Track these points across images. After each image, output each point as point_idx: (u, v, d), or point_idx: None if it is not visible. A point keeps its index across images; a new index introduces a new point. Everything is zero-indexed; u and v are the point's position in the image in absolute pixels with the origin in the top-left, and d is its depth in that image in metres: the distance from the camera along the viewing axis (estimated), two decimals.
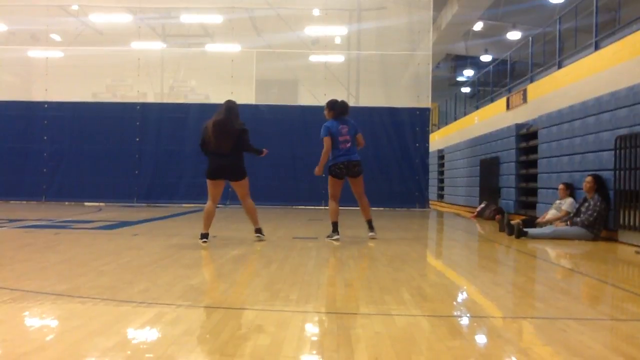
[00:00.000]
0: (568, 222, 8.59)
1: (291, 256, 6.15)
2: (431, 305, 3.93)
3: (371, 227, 7.84)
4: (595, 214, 8.22)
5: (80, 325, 3.22)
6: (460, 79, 32.15)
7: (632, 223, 7.71)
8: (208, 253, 6.46)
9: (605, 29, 11.07)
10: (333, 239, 7.58)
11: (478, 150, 16.22)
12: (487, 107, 17.73)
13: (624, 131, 8.08)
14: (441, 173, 22.35)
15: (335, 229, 7.69)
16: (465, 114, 21.48)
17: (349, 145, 7.60)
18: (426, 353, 2.81)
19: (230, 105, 7.38)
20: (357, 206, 7.96)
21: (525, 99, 13.63)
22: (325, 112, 7.82)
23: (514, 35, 24.05)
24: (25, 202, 15.51)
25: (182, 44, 18.56)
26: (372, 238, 7.72)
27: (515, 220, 9.21)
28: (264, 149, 7.48)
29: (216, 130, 7.12)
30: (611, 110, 8.63)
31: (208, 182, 7.19)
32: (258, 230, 7.47)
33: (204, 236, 7.10)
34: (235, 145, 7.14)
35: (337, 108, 7.77)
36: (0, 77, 17.27)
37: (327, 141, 7.58)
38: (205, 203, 7.26)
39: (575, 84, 10.67)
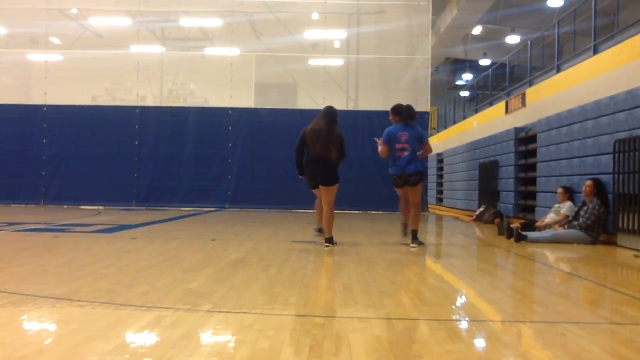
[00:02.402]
0: (566, 226, 8.60)
1: (290, 260, 6.14)
2: (430, 309, 3.93)
3: (414, 238, 7.45)
4: (593, 217, 8.22)
5: (78, 329, 3.21)
6: (459, 82, 32.20)
7: (631, 227, 7.72)
8: (207, 256, 6.45)
9: (604, 33, 11.10)
10: (410, 246, 7.40)
11: (477, 153, 16.23)
12: (486, 111, 17.75)
13: (622, 135, 8.10)
14: (440, 177, 22.35)
15: (405, 232, 7.74)
16: (464, 118, 21.50)
17: (406, 154, 7.34)
18: (425, 357, 2.81)
19: (328, 111, 7.44)
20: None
21: (524, 103, 13.64)
22: (390, 117, 7.68)
23: (512, 39, 24.11)
24: (24, 205, 15.50)
25: (182, 47, 18.54)
26: (413, 248, 7.34)
27: (514, 224, 9.21)
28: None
29: (316, 138, 7.22)
30: (610, 114, 8.64)
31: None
32: (327, 240, 7.35)
33: (319, 230, 7.61)
34: (330, 152, 7.24)
35: (403, 113, 7.56)
36: (0, 80, 17.28)
37: (382, 149, 7.49)
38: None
39: (574, 87, 10.68)
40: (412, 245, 7.42)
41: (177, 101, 17.66)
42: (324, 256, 6.60)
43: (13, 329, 3.29)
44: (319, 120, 7.35)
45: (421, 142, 7.50)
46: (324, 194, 7.39)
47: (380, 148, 7.55)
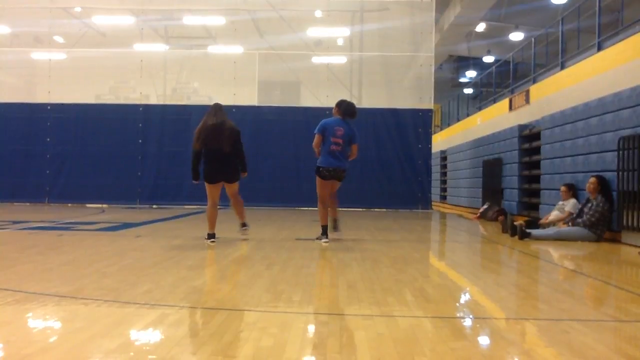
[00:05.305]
0: (570, 223, 8.58)
1: (294, 257, 6.15)
2: (434, 307, 3.93)
3: (335, 227, 7.67)
4: (597, 215, 8.20)
5: (83, 327, 3.22)
6: (462, 80, 32.10)
7: (635, 224, 7.69)
8: (211, 254, 6.47)
9: (608, 30, 11.06)
10: (322, 242, 7.44)
11: (481, 151, 16.20)
12: (490, 108, 17.72)
13: (627, 132, 8.07)
14: (444, 174, 22.33)
15: (324, 232, 7.50)
16: (467, 115, 21.47)
17: (339, 148, 7.35)
18: (429, 354, 2.81)
19: (221, 107, 7.58)
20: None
21: (528, 100, 13.61)
22: (334, 109, 7.69)
23: (516, 36, 24.03)
24: (28, 203, 15.54)
25: (185, 45, 18.57)
26: (336, 234, 7.60)
27: (518, 222, 9.20)
28: (246, 172, 7.54)
29: (215, 131, 7.19)
30: (614, 111, 8.62)
31: (206, 185, 7.33)
32: (243, 224, 7.58)
33: (211, 236, 7.25)
34: (232, 146, 7.24)
35: (342, 108, 7.58)
36: (4, 79, 17.33)
37: (316, 138, 7.42)
38: (206, 205, 7.37)
39: (578, 84, 10.65)
40: (334, 231, 7.62)
41: (181, 99, 17.67)
42: (327, 254, 6.60)
43: (18, 327, 3.30)
44: (216, 116, 7.33)
45: (350, 142, 7.47)
46: (231, 189, 7.43)
47: (314, 142, 7.44)
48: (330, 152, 7.36)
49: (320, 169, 7.42)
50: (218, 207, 7.42)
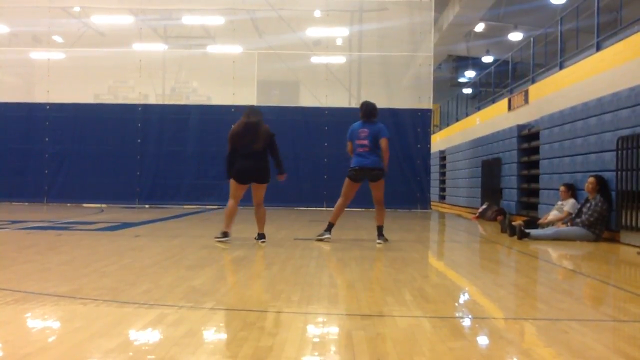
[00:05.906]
0: (569, 223, 8.58)
1: (293, 257, 6.15)
2: (433, 307, 3.93)
3: (380, 235, 7.53)
4: (596, 215, 8.21)
5: (82, 327, 3.22)
6: (461, 80, 32.13)
7: (634, 224, 7.70)
8: (210, 254, 6.46)
9: (607, 30, 11.06)
10: (323, 238, 7.49)
11: (480, 151, 16.21)
12: (489, 108, 17.73)
13: (626, 132, 8.07)
14: (443, 174, 22.35)
15: (328, 229, 7.59)
16: (466, 115, 21.48)
17: (366, 149, 7.45)
18: (428, 354, 2.81)
19: (257, 110, 7.51)
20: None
21: (526, 100, 13.62)
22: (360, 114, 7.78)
23: (515, 36, 24.06)
24: (27, 203, 15.51)
25: (184, 45, 18.57)
26: (379, 244, 7.41)
27: (517, 221, 9.20)
28: (285, 173, 7.45)
29: (246, 130, 7.16)
30: (613, 111, 8.62)
31: (232, 183, 7.23)
32: (261, 235, 7.38)
33: (225, 235, 7.20)
34: (265, 147, 7.20)
35: (362, 111, 7.69)
36: (2, 79, 17.29)
37: (348, 145, 7.66)
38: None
39: (576, 84, 10.66)
40: (377, 241, 7.47)
41: (180, 99, 17.67)
42: (326, 254, 6.60)
43: (16, 327, 3.30)
44: (249, 117, 7.27)
45: (376, 138, 7.45)
46: (258, 192, 7.34)
47: (347, 148, 7.67)
48: (357, 154, 7.52)
49: (349, 169, 7.58)
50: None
